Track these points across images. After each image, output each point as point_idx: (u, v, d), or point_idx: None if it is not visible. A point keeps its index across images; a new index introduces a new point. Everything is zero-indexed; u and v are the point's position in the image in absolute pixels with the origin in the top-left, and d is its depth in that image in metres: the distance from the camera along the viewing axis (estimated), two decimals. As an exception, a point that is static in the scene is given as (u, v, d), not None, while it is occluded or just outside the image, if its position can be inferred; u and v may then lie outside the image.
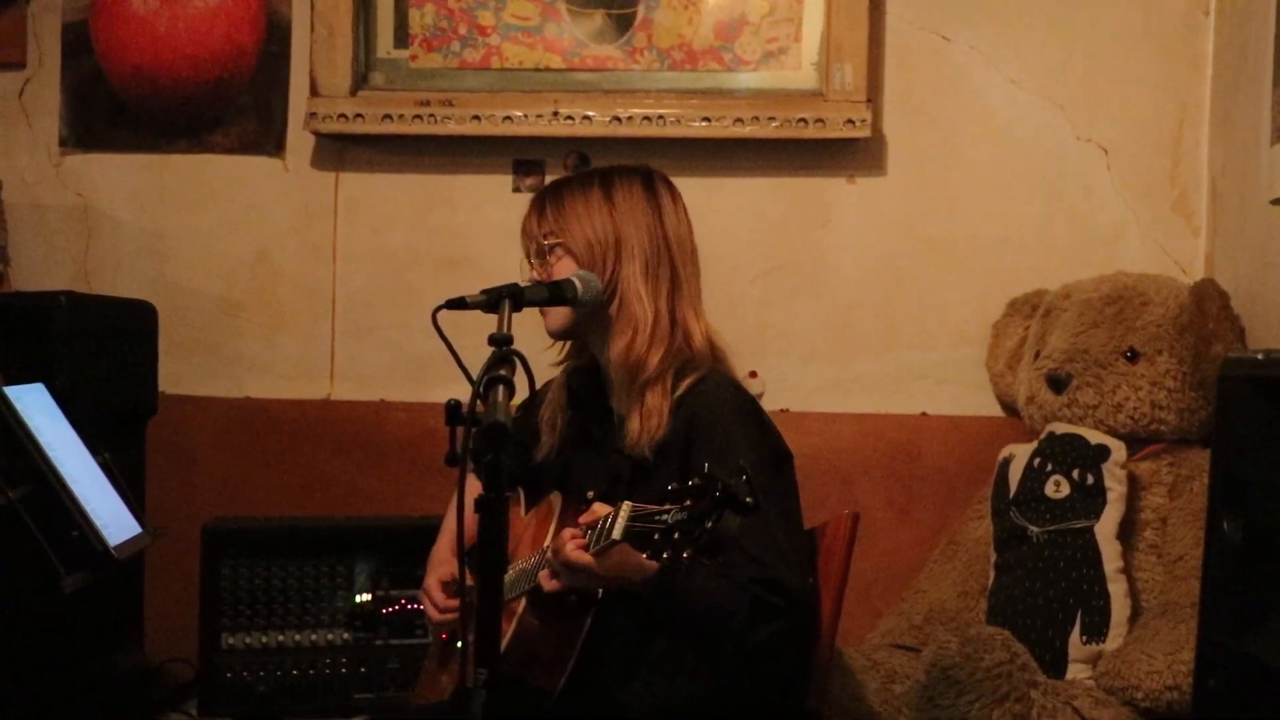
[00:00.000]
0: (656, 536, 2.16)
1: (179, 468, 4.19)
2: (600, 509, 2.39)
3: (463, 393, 2.17)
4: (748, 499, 2.10)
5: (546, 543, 2.57)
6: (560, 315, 2.69)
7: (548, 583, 2.45)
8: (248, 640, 3.74)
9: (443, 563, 2.87)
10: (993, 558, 3.65)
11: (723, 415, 2.59)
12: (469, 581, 2.34)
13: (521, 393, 2.19)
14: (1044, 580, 3.47)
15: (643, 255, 2.66)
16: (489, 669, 2.04)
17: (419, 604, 3.64)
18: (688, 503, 2.13)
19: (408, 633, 3.75)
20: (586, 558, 2.36)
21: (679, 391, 2.63)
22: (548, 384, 2.85)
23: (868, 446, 4.07)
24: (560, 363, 2.86)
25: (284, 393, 4.28)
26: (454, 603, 2.78)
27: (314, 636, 3.77)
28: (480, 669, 2.03)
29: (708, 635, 2.51)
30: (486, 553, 2.03)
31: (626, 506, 2.25)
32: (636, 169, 2.76)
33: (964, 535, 3.83)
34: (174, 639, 3.98)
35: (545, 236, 2.70)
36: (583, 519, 2.40)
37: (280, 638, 3.76)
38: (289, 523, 3.88)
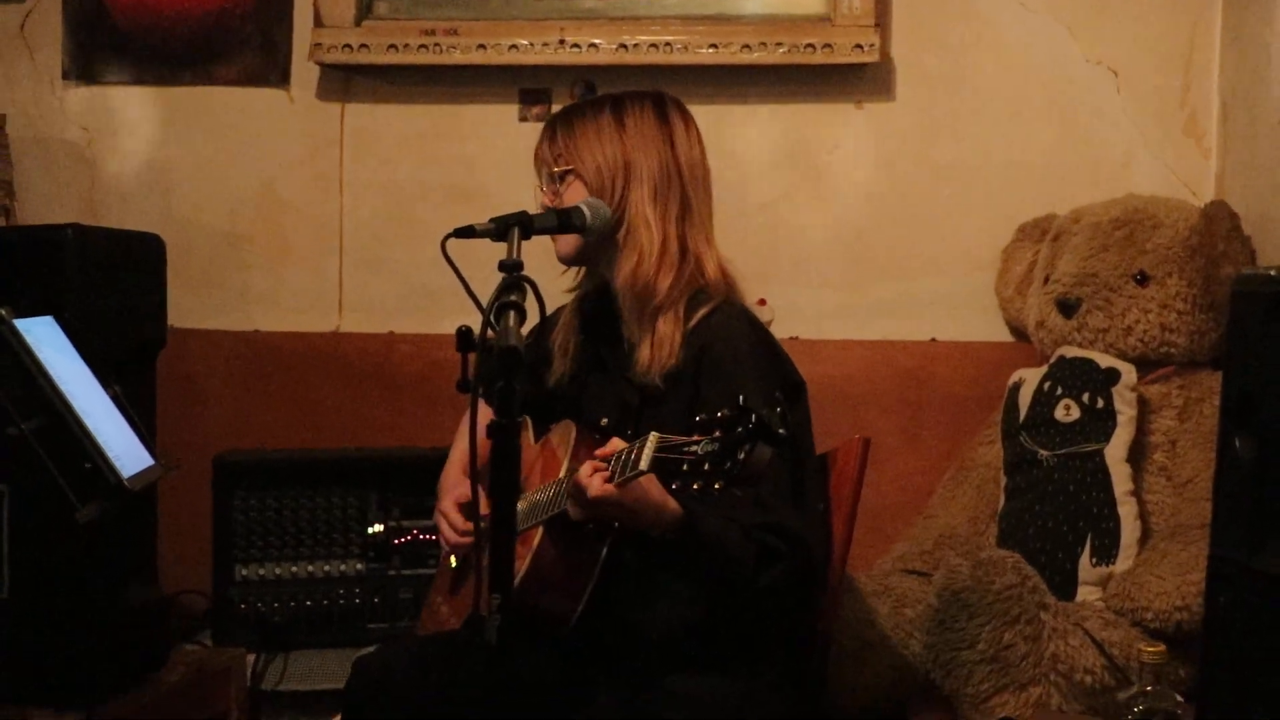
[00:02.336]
0: (685, 468, 2.17)
1: (189, 401, 4.21)
2: (618, 443, 2.40)
3: (473, 321, 2.18)
4: (780, 430, 2.11)
5: (560, 473, 2.59)
6: (569, 241, 2.70)
7: (575, 510, 2.46)
8: (260, 571, 3.77)
9: (456, 485, 2.89)
10: (1003, 482, 3.67)
11: (735, 346, 2.60)
12: (482, 509, 2.35)
13: (533, 318, 2.20)
14: (1054, 504, 3.49)
15: (651, 180, 2.67)
16: (503, 594, 2.06)
17: (431, 534, 3.68)
18: (718, 434, 2.14)
19: (420, 563, 3.78)
20: (610, 489, 2.36)
21: (692, 322, 2.64)
22: (559, 310, 2.86)
23: (878, 373, 4.08)
24: (573, 289, 2.87)
25: (292, 325, 4.29)
26: (470, 525, 2.79)
27: (326, 567, 3.80)
28: (495, 594, 2.05)
29: (714, 576, 2.54)
30: (500, 478, 2.05)
31: (654, 437, 2.26)
32: (649, 94, 2.76)
33: (974, 460, 3.84)
34: (188, 571, 4.00)
35: (556, 162, 2.71)
36: (600, 451, 2.41)
37: (293, 569, 3.79)
38: (299, 455, 3.91)
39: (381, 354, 4.24)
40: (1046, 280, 3.77)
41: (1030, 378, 3.68)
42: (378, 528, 3.79)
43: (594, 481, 2.38)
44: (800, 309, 4.11)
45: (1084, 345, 3.65)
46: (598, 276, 2.80)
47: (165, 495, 3.80)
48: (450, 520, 2.85)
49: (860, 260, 4.13)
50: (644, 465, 2.25)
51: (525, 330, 2.19)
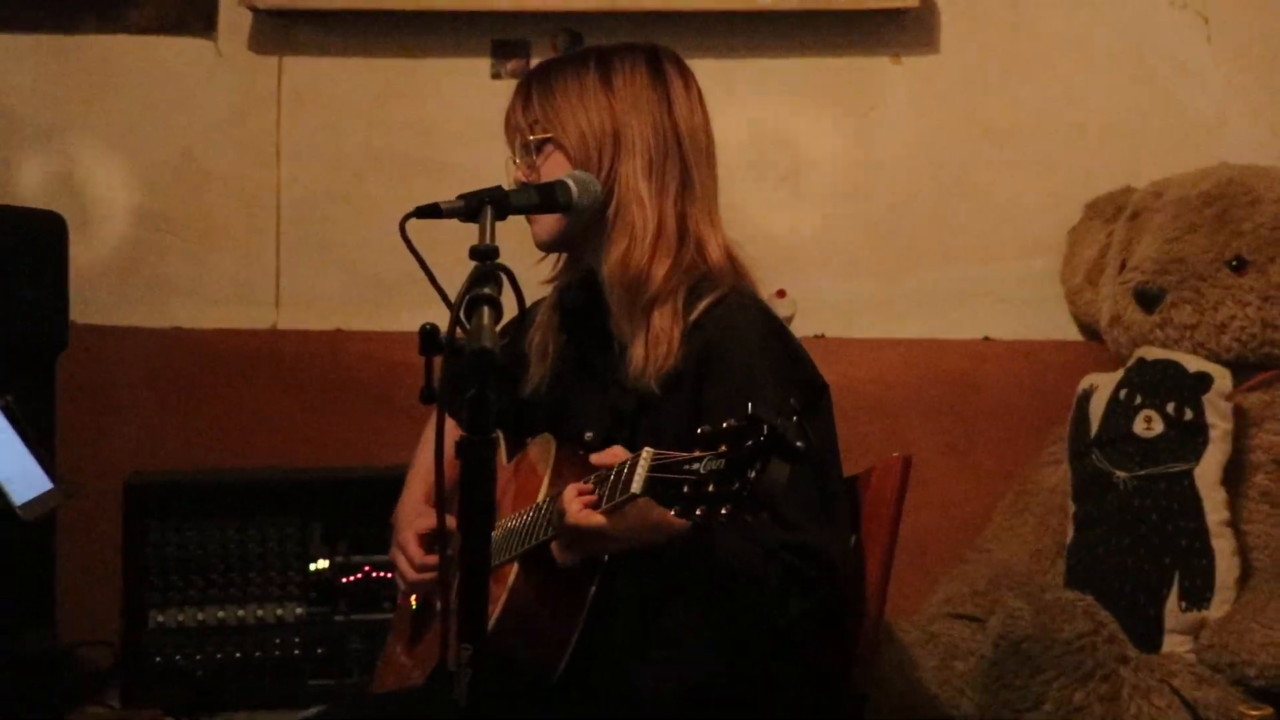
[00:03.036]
0: (685, 489, 2.15)
1: (95, 412, 4.19)
2: (614, 454, 2.39)
3: (437, 317, 2.17)
4: (798, 443, 2.09)
5: (539, 497, 2.58)
6: (550, 223, 2.69)
7: (561, 554, 2.45)
8: (180, 617, 3.77)
9: (417, 513, 2.88)
10: (1071, 509, 3.66)
11: (744, 342, 2.59)
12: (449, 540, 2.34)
13: (509, 312, 2.19)
14: (1134, 536, 3.48)
15: (645, 150, 2.66)
16: (474, 644, 2.04)
17: (386, 571, 3.67)
18: (723, 448, 2.12)
19: (373, 606, 3.78)
20: (597, 518, 2.35)
21: (693, 315, 2.63)
22: (536, 304, 2.85)
23: (920, 378, 4.08)
24: (552, 279, 2.86)
25: (219, 321, 4.28)
26: (434, 559, 2.79)
27: (260, 612, 3.79)
28: (465, 644, 2.04)
29: (729, 609, 2.53)
30: (471, 504, 2.03)
31: (647, 453, 2.24)
32: (640, 47, 2.76)
33: (1036, 483, 3.84)
34: (92, 616, 3.99)
35: (532, 129, 2.70)
36: (596, 458, 2.40)
37: (219, 614, 3.78)
38: (228, 476, 3.91)
39: (327, 356, 4.23)
40: (1123, 267, 3.77)
41: (1103, 384, 3.67)
42: (322, 564, 3.79)
43: (576, 507, 2.37)
44: (826, 302, 4.10)
45: (1168, 345, 3.65)
46: (581, 265, 2.79)
47: (67, 524, 3.79)
48: (409, 555, 2.84)
49: (898, 244, 4.13)
50: (636, 488, 2.24)
51: (500, 327, 2.18)
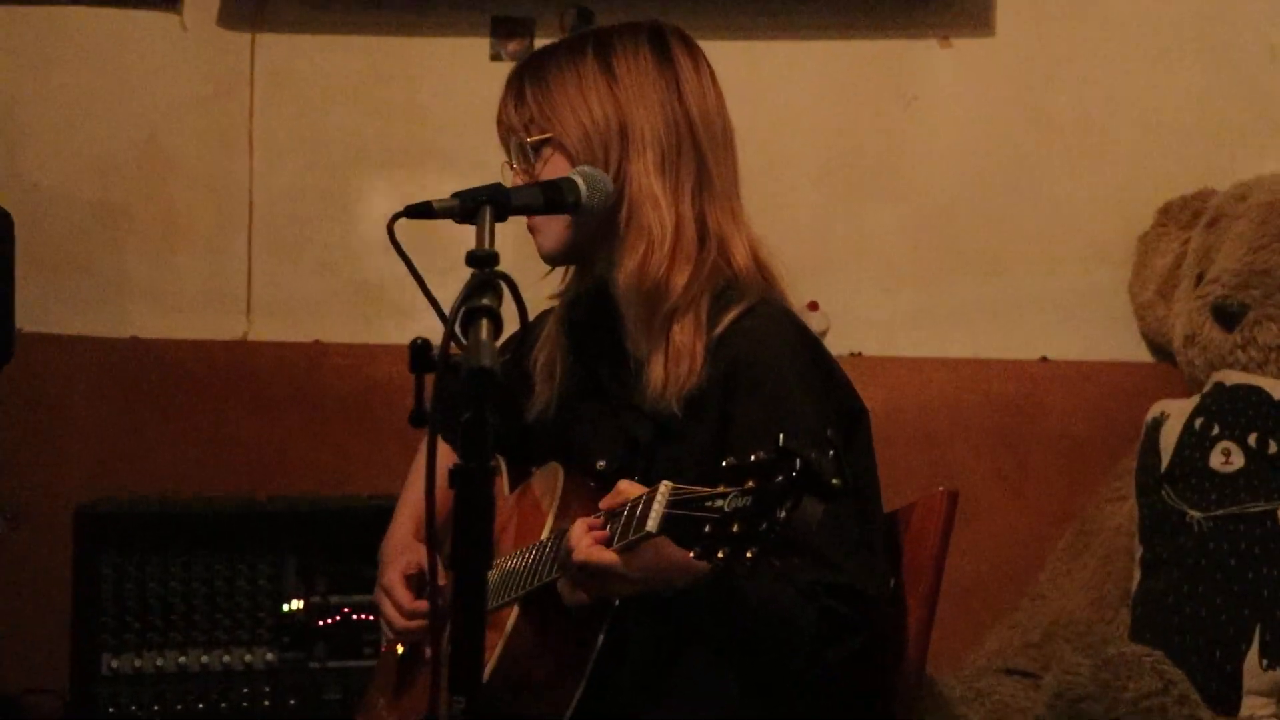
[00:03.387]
0: (707, 529, 2.16)
1: (43, 432, 4.20)
2: (627, 489, 2.39)
3: (428, 329, 2.18)
4: (834, 480, 2.10)
5: (543, 534, 2.58)
6: (556, 230, 2.70)
7: (569, 594, 2.46)
8: (136, 663, 3.76)
9: (404, 551, 2.89)
10: (1138, 552, 3.67)
11: (775, 359, 2.60)
12: (440, 580, 2.35)
13: (511, 327, 2.20)
14: (1209, 583, 3.49)
15: (656, 144, 2.67)
16: (468, 697, 2.05)
17: (368, 614, 3.67)
18: (750, 483, 2.13)
19: (353, 652, 3.77)
20: (609, 556, 2.36)
21: (718, 328, 2.63)
22: (541, 317, 2.86)
23: (969, 402, 4.08)
24: (560, 294, 2.87)
25: (184, 331, 4.29)
26: (424, 605, 2.79)
27: (226, 658, 3.79)
28: (457, 697, 2.04)
29: (758, 658, 2.53)
30: (467, 541, 2.04)
31: (665, 487, 2.25)
32: (641, 27, 2.76)
33: (1098, 522, 3.84)
34: (38, 661, 3.99)
35: (527, 128, 2.71)
36: (605, 503, 2.41)
37: (180, 659, 3.78)
38: (192, 505, 3.90)
39: (305, 370, 4.24)
40: (1200, 279, 3.77)
41: (1176, 412, 3.68)
42: (296, 604, 3.79)
43: (586, 543, 2.38)
44: (864, 317, 4.11)
45: (1250, 368, 3.65)
46: (591, 275, 2.80)
47: (9, 559, 3.81)
48: (396, 599, 2.84)
49: (945, 251, 4.14)
50: (651, 526, 2.24)
51: (501, 343, 2.18)
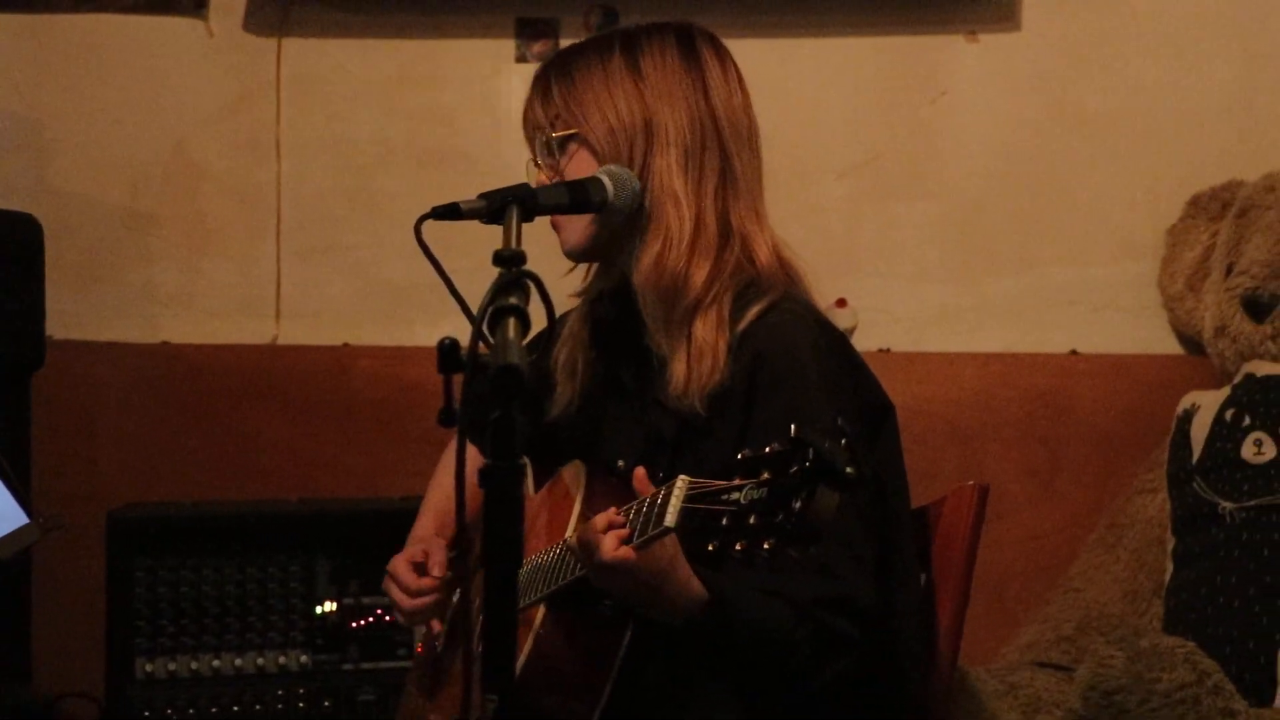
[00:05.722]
0: (724, 521, 2.17)
1: (76, 438, 4.22)
2: (644, 486, 2.40)
3: (456, 330, 2.19)
4: (848, 469, 2.10)
5: (568, 531, 2.60)
6: (579, 228, 2.71)
7: (597, 583, 2.46)
8: (170, 666, 3.77)
9: (419, 541, 2.90)
10: (1170, 544, 3.67)
11: (797, 355, 2.61)
12: (439, 571, 2.35)
13: (538, 323, 2.20)
14: (1242, 574, 3.49)
15: (681, 141, 2.67)
16: (501, 696, 2.06)
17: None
18: (765, 475, 2.14)
19: (386, 653, 3.78)
20: (626, 553, 2.37)
21: (742, 324, 2.64)
22: (564, 316, 2.87)
23: (998, 396, 4.08)
24: (581, 292, 2.88)
25: (215, 336, 4.30)
26: (428, 582, 2.80)
27: (260, 660, 3.79)
28: (490, 696, 2.05)
29: (756, 675, 2.54)
30: (497, 540, 2.05)
31: (682, 482, 2.26)
32: (668, 26, 2.77)
33: (1130, 514, 3.84)
34: (73, 665, 4.01)
35: (554, 125, 2.71)
36: (637, 482, 2.41)
37: (214, 663, 3.78)
38: (224, 509, 3.91)
39: (334, 373, 4.25)
40: (1229, 271, 3.76)
41: (1207, 403, 3.68)
42: (329, 606, 3.80)
43: (608, 541, 2.38)
44: (892, 313, 4.11)
45: (1280, 359, 3.65)
46: (613, 272, 2.81)
47: (45, 563, 3.82)
48: (401, 582, 2.84)
49: (974, 246, 4.13)
50: (669, 520, 2.25)
51: (527, 342, 2.19)
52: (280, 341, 4.31)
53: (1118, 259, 4.07)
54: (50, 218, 3.98)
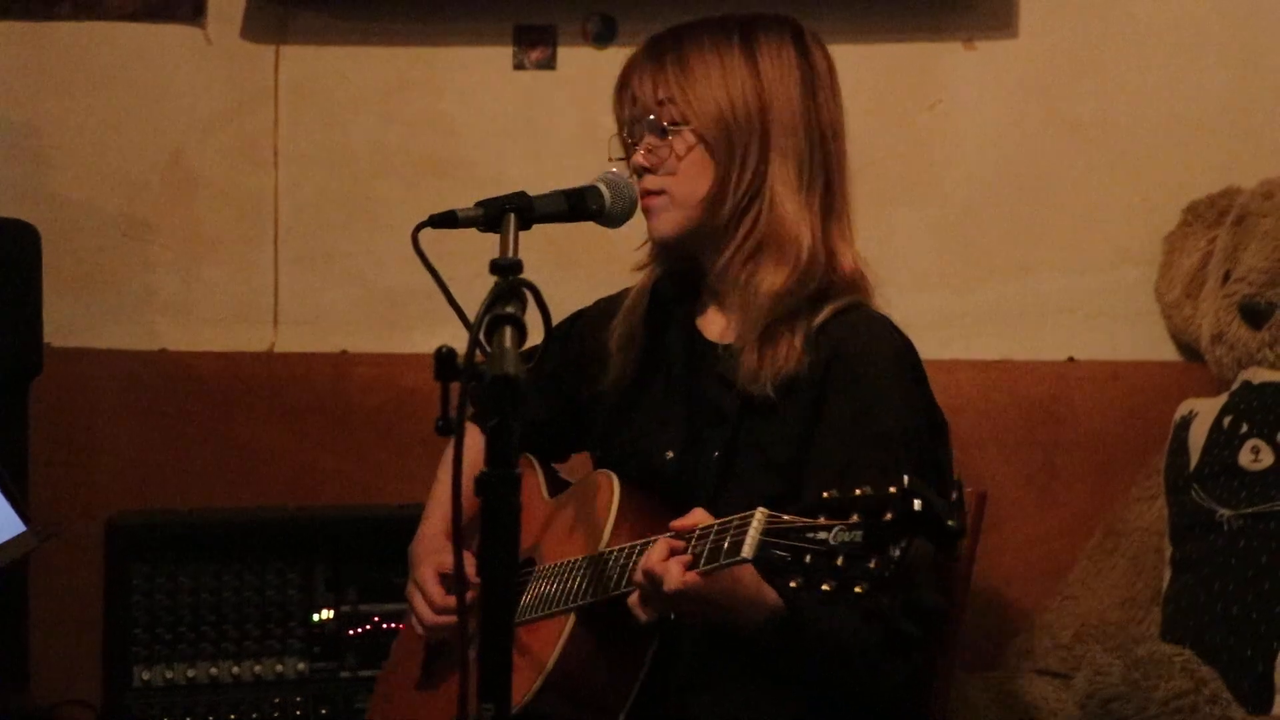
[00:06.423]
0: (808, 559, 2.16)
1: (73, 445, 4.21)
2: (699, 515, 2.40)
3: (453, 338, 2.18)
4: (949, 523, 2.10)
5: (602, 544, 2.60)
6: (674, 218, 2.70)
7: (642, 610, 2.46)
8: (168, 674, 3.76)
9: (438, 550, 2.90)
10: (1168, 551, 3.66)
11: (876, 360, 2.65)
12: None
13: (535, 332, 2.20)
14: (1240, 581, 3.48)
15: (796, 152, 2.68)
16: (497, 705, 2.05)
17: (398, 623, 3.69)
18: (855, 518, 2.13)
19: (383, 660, 3.77)
20: (694, 579, 2.36)
21: (819, 317, 2.67)
22: (622, 294, 2.89)
23: (995, 403, 4.07)
24: (643, 267, 2.87)
25: (212, 343, 4.30)
26: (454, 601, 2.79)
27: (257, 668, 3.79)
28: (486, 705, 2.05)
29: (824, 678, 2.55)
30: (493, 548, 2.05)
31: (761, 514, 2.25)
32: (785, 21, 2.77)
33: (1128, 522, 3.83)
34: (70, 673, 4.00)
35: (663, 103, 2.69)
36: (678, 524, 2.41)
37: (211, 670, 3.78)
38: (221, 516, 3.91)
39: (332, 381, 4.25)
40: (1227, 278, 3.76)
41: (1204, 410, 3.67)
42: (326, 614, 3.80)
43: (673, 569, 2.38)
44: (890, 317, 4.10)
45: (1278, 366, 3.64)
46: (681, 256, 2.81)
47: (41, 572, 3.81)
48: (428, 595, 2.85)
49: (971, 253, 4.13)
50: (747, 552, 2.24)
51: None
52: (278, 349, 4.30)
53: (1115, 266, 4.06)
54: (48, 225, 3.97)
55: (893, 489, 2.10)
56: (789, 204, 2.65)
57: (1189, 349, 3.97)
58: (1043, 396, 4.07)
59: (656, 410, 2.79)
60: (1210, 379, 3.84)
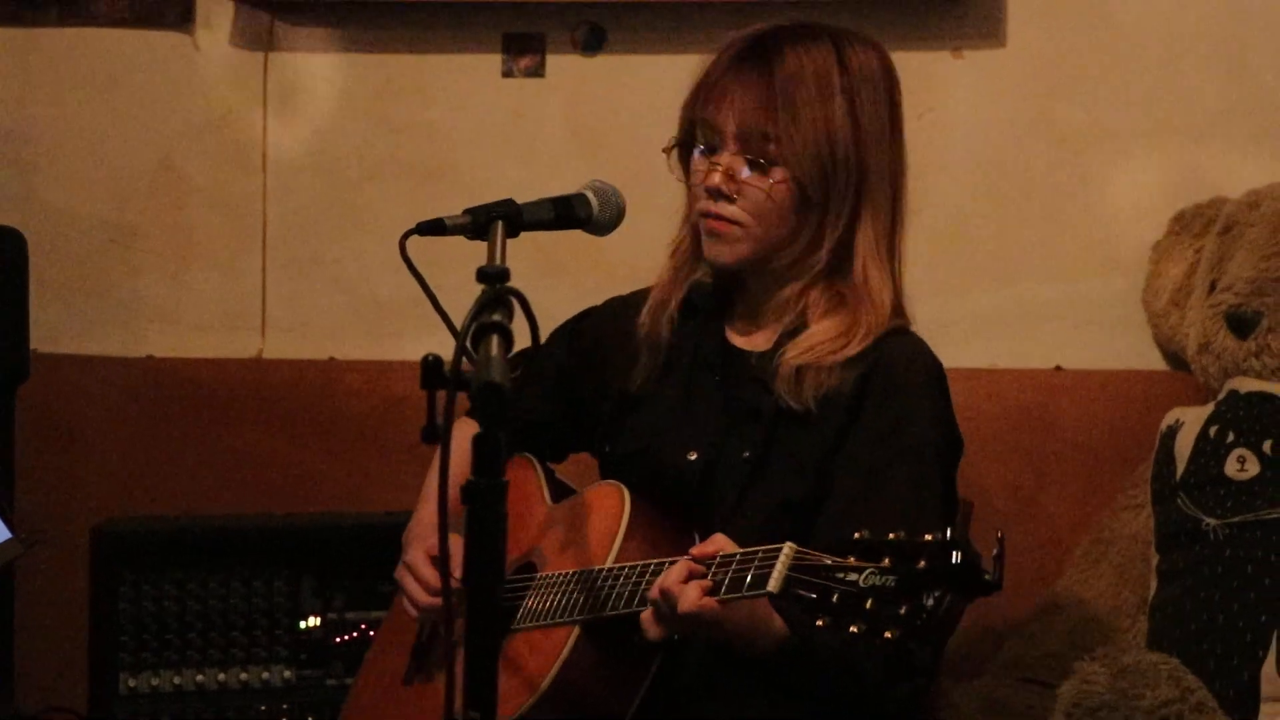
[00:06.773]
0: (835, 599, 2.15)
1: (59, 452, 4.21)
2: (721, 542, 2.40)
3: (440, 345, 2.18)
4: (986, 576, 2.10)
5: (609, 559, 2.60)
6: (750, 246, 2.69)
7: (653, 628, 2.47)
8: (154, 682, 3.76)
9: (430, 534, 2.88)
10: (1154, 560, 3.66)
11: (911, 378, 2.68)
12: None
13: (522, 340, 2.20)
14: (1225, 590, 3.48)
15: (886, 207, 2.70)
16: (483, 713, 2.05)
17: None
18: (886, 562, 2.13)
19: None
20: (711, 604, 2.37)
21: (865, 345, 2.69)
22: (629, 298, 2.92)
23: (982, 412, 4.06)
24: (679, 267, 2.87)
25: (199, 350, 4.30)
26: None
27: (244, 676, 3.79)
28: (472, 713, 2.05)
29: (826, 694, 2.57)
30: (480, 556, 2.05)
31: (789, 549, 2.25)
32: (873, 45, 2.77)
33: (1114, 530, 3.83)
34: (56, 681, 4.00)
35: (766, 135, 2.67)
36: (698, 550, 2.41)
37: (198, 678, 3.77)
38: (209, 523, 3.90)
39: (319, 387, 4.25)
40: (1213, 287, 3.76)
41: (1191, 419, 3.67)
42: (313, 621, 3.79)
43: (690, 592, 2.38)
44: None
45: (1264, 375, 3.64)
46: (716, 270, 2.81)
47: (27, 578, 3.81)
48: (420, 576, 2.84)
49: (958, 262, 4.13)
50: (773, 586, 2.24)
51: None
52: (265, 355, 4.30)
53: (1102, 275, 4.06)
54: (35, 231, 3.97)
55: (929, 536, 2.10)
56: (873, 268, 2.68)
57: (1176, 358, 3.97)
58: (1030, 405, 4.07)
59: (676, 411, 2.79)
60: (1197, 388, 3.84)
